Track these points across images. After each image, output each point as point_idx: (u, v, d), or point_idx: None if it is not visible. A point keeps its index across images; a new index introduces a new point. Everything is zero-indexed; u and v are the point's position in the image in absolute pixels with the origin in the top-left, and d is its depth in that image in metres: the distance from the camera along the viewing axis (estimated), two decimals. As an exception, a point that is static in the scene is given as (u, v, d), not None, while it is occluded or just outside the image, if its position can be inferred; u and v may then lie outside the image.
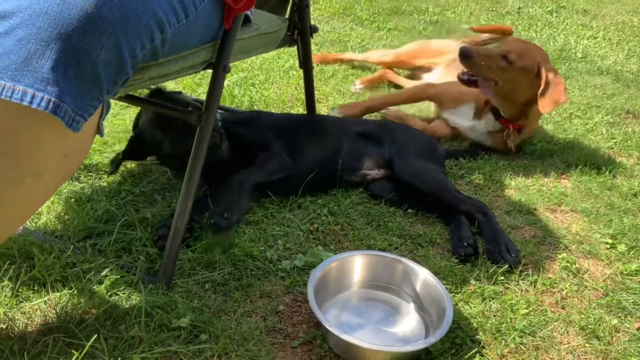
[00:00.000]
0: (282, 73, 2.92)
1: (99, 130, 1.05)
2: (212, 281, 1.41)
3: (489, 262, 1.61)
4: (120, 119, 2.18)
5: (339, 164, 1.86)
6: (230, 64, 1.38)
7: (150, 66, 1.14)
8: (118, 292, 1.34)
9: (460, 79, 2.15)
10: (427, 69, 2.82)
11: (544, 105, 2.06)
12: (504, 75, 2.09)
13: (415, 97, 2.46)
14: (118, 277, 1.37)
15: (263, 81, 2.78)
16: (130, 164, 1.91)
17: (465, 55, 2.06)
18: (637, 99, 3.08)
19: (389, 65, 3.01)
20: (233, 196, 1.60)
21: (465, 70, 2.13)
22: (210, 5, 1.23)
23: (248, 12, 1.52)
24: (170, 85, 2.54)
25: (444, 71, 2.70)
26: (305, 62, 1.87)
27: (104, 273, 1.37)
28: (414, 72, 2.93)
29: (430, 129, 2.34)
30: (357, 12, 4.33)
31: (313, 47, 3.37)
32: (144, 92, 2.34)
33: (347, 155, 1.89)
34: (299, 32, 1.80)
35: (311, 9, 4.29)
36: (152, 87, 1.72)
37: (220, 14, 1.30)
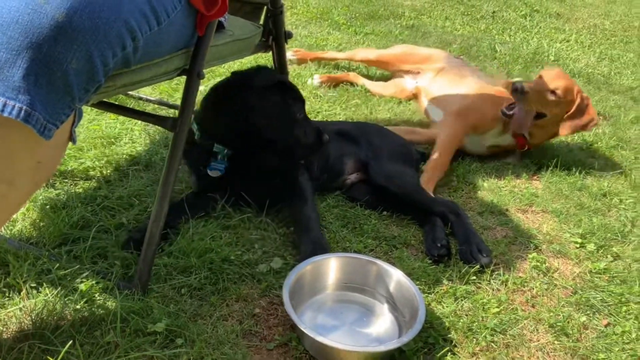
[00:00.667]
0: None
1: (72, 138, 1.05)
2: (188, 286, 1.42)
3: (462, 262, 1.64)
4: (96, 125, 2.18)
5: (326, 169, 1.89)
6: (206, 70, 1.39)
7: (122, 73, 1.15)
8: (94, 298, 1.34)
9: (505, 113, 2.28)
10: (415, 73, 2.86)
11: (565, 128, 2.26)
12: (551, 108, 2.26)
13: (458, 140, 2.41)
14: (94, 283, 1.37)
15: (240, 86, 2.78)
16: (106, 170, 1.91)
17: (519, 91, 2.21)
18: (608, 100, 3.15)
19: (372, 64, 3.07)
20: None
21: (510, 104, 2.27)
22: (183, 12, 1.24)
23: (222, 19, 1.53)
24: (147, 91, 2.54)
25: (433, 78, 2.74)
26: (281, 68, 1.89)
27: (79, 279, 1.37)
28: (397, 74, 2.97)
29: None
30: (334, 16, 4.36)
31: (290, 53, 3.39)
32: (121, 99, 2.35)
33: (333, 160, 1.92)
34: (274, 38, 1.82)
35: (288, 13, 4.32)
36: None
37: (193, 21, 1.31)
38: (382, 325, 1.39)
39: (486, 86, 2.50)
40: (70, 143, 1.08)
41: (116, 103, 1.42)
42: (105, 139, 2.11)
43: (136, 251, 1.44)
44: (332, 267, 1.46)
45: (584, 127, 2.26)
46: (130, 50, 1.05)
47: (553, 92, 2.24)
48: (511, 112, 2.26)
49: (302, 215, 1.65)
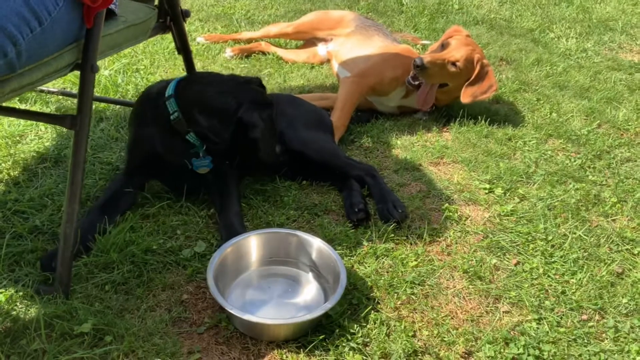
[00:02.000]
0: (167, 55, 2.86)
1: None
2: (111, 282, 1.42)
3: (381, 222, 1.71)
4: (-3, 124, 2.08)
5: None
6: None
7: (9, 79, 1.11)
8: (15, 307, 1.32)
9: (410, 83, 2.32)
10: (327, 40, 2.86)
11: (465, 95, 2.32)
12: (453, 79, 2.33)
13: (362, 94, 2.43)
14: (13, 292, 1.35)
15: (148, 66, 2.72)
16: (14, 172, 1.84)
17: (420, 67, 2.24)
18: (510, 45, 3.29)
19: (290, 38, 3.05)
20: None
21: (414, 75, 2.29)
22: (67, 7, 1.20)
23: (112, 6, 1.48)
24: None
25: (343, 42, 2.74)
26: (184, 48, 1.86)
27: (-3, 290, 1.35)
28: (310, 41, 2.97)
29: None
30: (240, -19, 4.27)
31: (198, 24, 3.32)
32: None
33: None
34: (171, 19, 1.78)
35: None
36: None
37: (79, 14, 1.27)
38: (308, 294, 1.44)
39: (391, 46, 2.55)
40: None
41: (9, 106, 1.36)
42: (10, 138, 2.03)
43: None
44: (253, 244, 1.49)
45: (483, 94, 2.33)
46: (13, 56, 1.02)
47: (454, 63, 2.29)
48: (417, 83, 2.30)
49: (220, 201, 1.67)
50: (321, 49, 2.87)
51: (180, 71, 2.68)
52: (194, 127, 1.62)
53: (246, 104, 1.59)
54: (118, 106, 2.28)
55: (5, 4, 0.97)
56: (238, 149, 1.64)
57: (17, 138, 2.04)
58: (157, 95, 1.67)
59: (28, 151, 1.96)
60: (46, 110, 2.24)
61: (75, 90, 2.33)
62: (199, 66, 2.68)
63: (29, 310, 1.32)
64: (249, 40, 3.10)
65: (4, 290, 1.35)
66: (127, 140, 1.86)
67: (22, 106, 2.20)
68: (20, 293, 1.35)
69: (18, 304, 1.34)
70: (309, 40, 2.97)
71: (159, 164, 1.69)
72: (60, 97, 2.31)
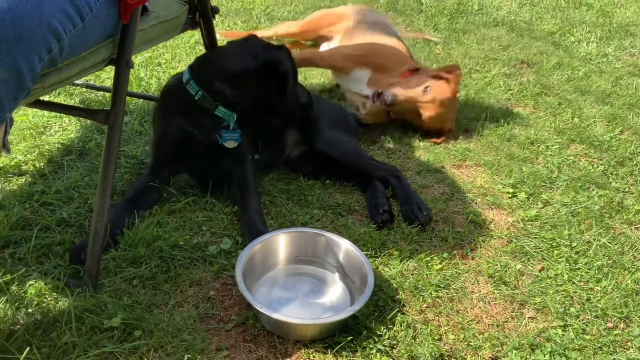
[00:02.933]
0: (188, 49, 2.87)
1: (5, 147, 1.03)
2: (139, 276, 1.43)
3: (405, 224, 1.71)
4: (23, 116, 2.09)
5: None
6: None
7: (50, 73, 1.12)
8: (45, 300, 1.34)
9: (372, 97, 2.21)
10: (328, 38, 2.85)
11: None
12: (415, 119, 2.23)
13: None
14: (43, 284, 1.36)
15: (169, 60, 2.73)
16: (39, 163, 1.86)
17: (389, 105, 2.14)
18: (531, 48, 3.27)
19: (297, 38, 3.03)
20: None
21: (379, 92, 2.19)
22: (106, 3, 1.21)
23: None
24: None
25: (340, 39, 2.73)
26: (211, 44, 1.86)
27: (27, 282, 1.36)
28: (318, 41, 2.96)
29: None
30: (260, -24, 4.26)
31: (218, 18, 3.31)
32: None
33: (275, 136, 1.92)
34: (201, 15, 1.78)
35: (212, -24, 4.18)
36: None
37: (117, 10, 1.28)
38: (334, 294, 1.45)
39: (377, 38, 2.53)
40: (4, 152, 1.05)
41: (45, 100, 1.37)
42: (34, 129, 2.04)
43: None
44: (281, 243, 1.50)
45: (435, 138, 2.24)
46: (57, 52, 1.02)
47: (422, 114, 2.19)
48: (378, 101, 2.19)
49: (241, 198, 1.68)
50: (324, 48, 2.86)
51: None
52: (220, 99, 1.63)
53: (262, 50, 1.64)
54: (141, 100, 2.28)
55: (50, 1, 0.98)
56: (268, 98, 1.69)
57: (42, 129, 2.06)
58: (176, 85, 1.69)
59: (53, 143, 1.97)
60: (70, 102, 2.25)
61: (98, 83, 2.34)
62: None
63: (58, 303, 1.33)
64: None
65: (33, 282, 1.36)
66: (153, 136, 1.87)
67: (50, 99, 2.21)
68: (50, 285, 1.36)
69: (47, 296, 1.35)
70: (318, 42, 2.95)
71: (186, 153, 1.70)
72: (84, 89, 2.31)
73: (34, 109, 2.13)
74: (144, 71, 2.53)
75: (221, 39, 3.04)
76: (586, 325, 1.42)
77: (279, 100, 1.70)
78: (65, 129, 2.07)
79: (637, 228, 1.81)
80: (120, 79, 1.35)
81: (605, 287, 1.54)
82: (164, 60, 2.71)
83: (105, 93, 2.28)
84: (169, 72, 2.57)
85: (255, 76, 1.64)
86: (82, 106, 2.17)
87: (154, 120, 1.84)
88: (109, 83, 2.24)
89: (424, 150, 2.16)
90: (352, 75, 2.40)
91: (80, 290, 1.35)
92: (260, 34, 3.11)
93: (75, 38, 1.10)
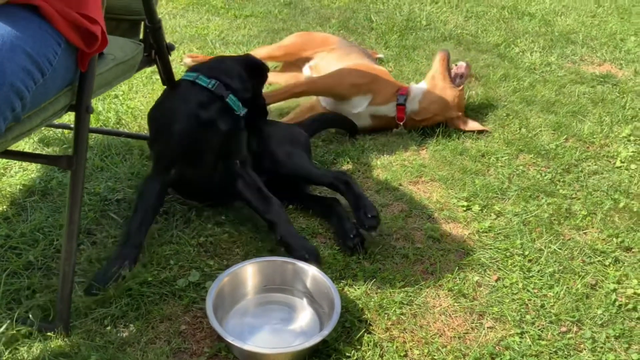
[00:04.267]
0: (145, 79, 2.88)
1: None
2: (110, 316, 1.45)
3: (361, 230, 1.77)
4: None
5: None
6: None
7: (12, 127, 1.14)
8: (17, 347, 1.35)
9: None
10: (309, 60, 2.93)
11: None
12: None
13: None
14: (14, 331, 1.37)
15: (126, 92, 2.74)
16: (2, 206, 1.85)
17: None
18: (477, 61, 3.40)
19: (279, 60, 3.09)
20: None
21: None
22: (64, 55, 1.24)
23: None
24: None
25: (325, 55, 2.84)
26: (169, 80, 1.90)
27: (-2, 330, 1.37)
28: (295, 62, 3.03)
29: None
30: (212, 0, 4.31)
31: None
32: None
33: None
34: (156, 52, 1.82)
35: (164, 0, 4.19)
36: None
37: (74, 59, 1.31)
38: (304, 320, 1.50)
39: (366, 62, 2.66)
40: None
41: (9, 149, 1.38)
42: None
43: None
44: (249, 273, 1.54)
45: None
46: (19, 109, 1.05)
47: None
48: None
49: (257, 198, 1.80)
50: (305, 69, 2.94)
51: (158, 95, 2.71)
52: (231, 89, 1.82)
53: (247, 56, 2.03)
54: (101, 135, 2.30)
55: (11, 61, 1.01)
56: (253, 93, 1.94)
57: (2, 171, 2.05)
58: (182, 84, 1.84)
59: (14, 184, 1.97)
60: (30, 142, 2.25)
61: (57, 121, 2.34)
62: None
63: (31, 349, 1.34)
64: None
65: (5, 331, 1.37)
66: (157, 140, 1.89)
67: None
68: (22, 332, 1.37)
69: (20, 343, 1.36)
70: (289, 63, 3.02)
71: (198, 148, 1.78)
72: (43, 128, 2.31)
73: None
74: (102, 104, 2.54)
75: (192, 63, 3.01)
76: (542, 331, 1.51)
77: (256, 96, 1.95)
78: (25, 169, 2.07)
79: (585, 233, 1.92)
80: (81, 125, 1.38)
81: (557, 292, 1.64)
82: (121, 92, 2.72)
83: (64, 130, 2.28)
84: (126, 104, 2.59)
85: (246, 73, 1.90)
86: (43, 152, 2.18)
87: (155, 120, 1.88)
88: (67, 120, 2.24)
89: (381, 169, 2.23)
90: (352, 100, 2.49)
91: (52, 334, 1.37)
92: None
93: (37, 93, 1.13)
